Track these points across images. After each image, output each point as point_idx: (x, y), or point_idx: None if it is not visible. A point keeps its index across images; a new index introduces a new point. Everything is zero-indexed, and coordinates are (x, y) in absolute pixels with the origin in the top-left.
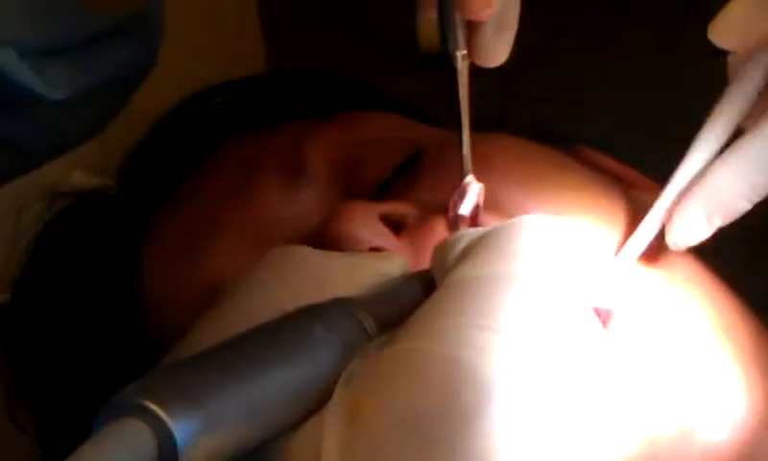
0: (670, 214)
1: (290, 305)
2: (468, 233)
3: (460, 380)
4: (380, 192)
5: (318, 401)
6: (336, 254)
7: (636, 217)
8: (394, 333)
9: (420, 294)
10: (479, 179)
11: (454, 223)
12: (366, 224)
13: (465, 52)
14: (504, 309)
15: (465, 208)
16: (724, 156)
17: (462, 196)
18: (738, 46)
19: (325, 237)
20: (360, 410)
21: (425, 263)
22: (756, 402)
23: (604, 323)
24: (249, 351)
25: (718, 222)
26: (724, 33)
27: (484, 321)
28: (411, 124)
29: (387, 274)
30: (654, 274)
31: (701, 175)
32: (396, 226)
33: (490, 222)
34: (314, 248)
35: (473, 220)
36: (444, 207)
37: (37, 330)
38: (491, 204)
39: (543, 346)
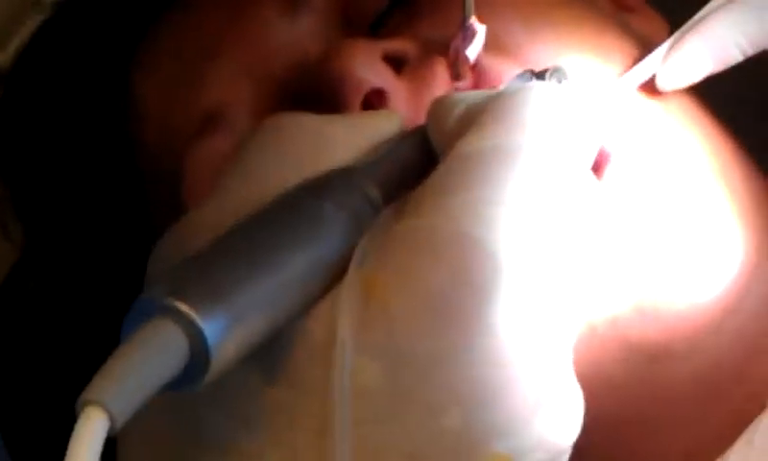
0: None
1: (293, 177)
2: (466, 98)
3: (470, 255)
4: (378, 22)
5: (332, 279)
6: (333, 118)
7: (636, 53)
8: (401, 205)
9: (418, 153)
10: (479, 18)
11: (455, 65)
12: (366, 63)
13: None
14: (510, 183)
15: (468, 51)
16: (726, 4)
17: (464, 38)
18: None
19: (326, 75)
20: (374, 287)
21: (425, 102)
22: (750, 251)
23: (602, 165)
24: (264, 239)
25: (710, 66)
26: None
27: (490, 195)
28: None
29: (385, 132)
30: (652, 106)
31: (702, 19)
32: (397, 63)
33: (491, 64)
34: (312, 82)
35: (474, 61)
36: (444, 43)
37: (28, 130)
38: (492, 43)
39: (546, 216)
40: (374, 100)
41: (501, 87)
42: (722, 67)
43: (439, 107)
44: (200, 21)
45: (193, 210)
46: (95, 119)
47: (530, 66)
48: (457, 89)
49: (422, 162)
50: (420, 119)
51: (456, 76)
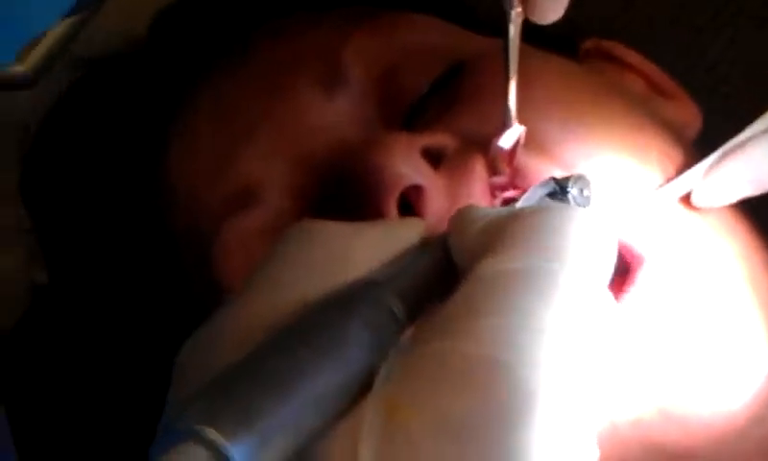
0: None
1: (318, 286)
2: (487, 214)
3: (502, 385)
4: (417, 108)
5: (355, 399)
6: (359, 227)
7: (671, 150)
8: (425, 324)
9: (441, 265)
10: (519, 116)
11: (494, 162)
12: (406, 158)
13: (519, 9)
14: (546, 308)
15: (506, 149)
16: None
17: (504, 136)
18: None
19: (365, 168)
20: (397, 411)
21: (462, 199)
22: None
23: (634, 269)
24: (291, 361)
25: (747, 191)
26: None
27: (525, 321)
28: (454, 31)
29: (410, 241)
30: (688, 216)
31: (743, 143)
32: (436, 157)
33: (528, 162)
34: (350, 171)
35: (512, 157)
36: (483, 138)
37: (60, 183)
38: (530, 142)
39: (574, 341)
40: (412, 196)
41: (520, 203)
42: (758, 193)
43: (460, 220)
44: (237, 94)
45: (218, 314)
46: (128, 184)
47: (566, 165)
48: (493, 185)
49: (445, 274)
50: None
51: (494, 172)
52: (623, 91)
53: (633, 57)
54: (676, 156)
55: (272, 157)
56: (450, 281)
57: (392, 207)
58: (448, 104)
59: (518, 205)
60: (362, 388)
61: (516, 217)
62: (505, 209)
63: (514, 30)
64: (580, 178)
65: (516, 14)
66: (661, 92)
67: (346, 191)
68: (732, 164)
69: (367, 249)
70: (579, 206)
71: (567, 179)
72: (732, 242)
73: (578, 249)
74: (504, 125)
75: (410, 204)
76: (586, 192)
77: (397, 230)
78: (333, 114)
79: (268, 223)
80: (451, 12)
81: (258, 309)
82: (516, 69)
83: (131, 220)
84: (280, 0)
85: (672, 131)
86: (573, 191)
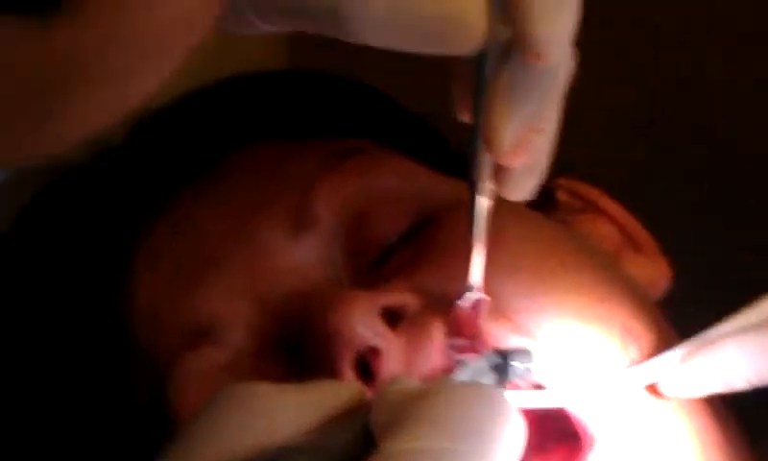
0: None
1: (241, 447)
2: (406, 387)
3: None
4: (384, 257)
5: None
6: (286, 388)
7: (638, 315)
8: None
9: (360, 438)
10: (484, 278)
11: (453, 326)
12: (363, 320)
13: (490, 186)
14: None
15: (467, 316)
16: (740, 334)
17: (466, 303)
18: None
19: (321, 328)
20: None
21: (419, 362)
22: None
23: (585, 448)
24: None
25: (715, 389)
26: None
27: None
28: (425, 175)
29: (339, 405)
30: (648, 399)
31: (712, 339)
32: (395, 317)
33: (489, 328)
34: (310, 326)
35: (473, 321)
36: (446, 297)
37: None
38: (493, 305)
39: None
40: (369, 356)
41: (460, 374)
42: (725, 391)
43: (379, 393)
44: (204, 219)
45: None
46: (89, 301)
47: (528, 333)
48: (452, 347)
49: (365, 447)
50: (412, 377)
51: (455, 333)
52: (593, 252)
53: (610, 206)
54: (638, 328)
55: (236, 294)
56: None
57: (346, 368)
58: (415, 257)
59: (458, 375)
60: None
61: (426, 394)
62: (419, 386)
63: (481, 205)
64: (522, 351)
65: (483, 190)
66: (634, 246)
67: (305, 341)
68: (704, 362)
69: (293, 411)
70: (521, 378)
71: (509, 352)
72: (689, 422)
73: (482, 431)
74: (467, 289)
75: (367, 364)
76: (527, 365)
77: (328, 393)
78: (299, 256)
79: (227, 362)
80: (422, 147)
81: None
82: (483, 240)
83: (89, 336)
84: (254, 125)
85: (637, 295)
86: (515, 364)
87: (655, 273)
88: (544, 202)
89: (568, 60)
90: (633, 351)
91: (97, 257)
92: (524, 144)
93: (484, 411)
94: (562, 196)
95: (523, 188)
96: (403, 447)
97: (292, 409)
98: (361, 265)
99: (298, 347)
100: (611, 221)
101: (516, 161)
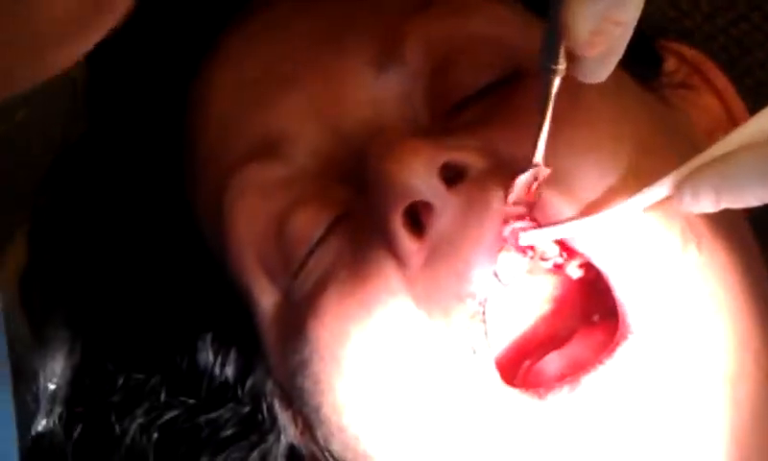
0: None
1: None
2: None
3: None
4: (461, 105)
5: None
6: None
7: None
8: None
9: None
10: (554, 149)
11: (514, 192)
12: (422, 173)
13: (560, 67)
14: None
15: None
16: (751, 146)
17: (528, 173)
18: None
19: (378, 174)
20: None
21: (470, 228)
22: None
23: (617, 341)
24: None
25: (725, 204)
26: None
27: None
28: (518, 26)
29: None
30: (694, 288)
31: (725, 153)
32: (457, 174)
33: (549, 197)
34: (370, 157)
35: (532, 199)
36: (511, 161)
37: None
38: (557, 177)
39: None
40: (421, 210)
41: None
42: (736, 207)
43: None
44: (288, 36)
45: None
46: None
47: (587, 211)
48: (508, 213)
49: None
50: (463, 241)
51: (511, 202)
52: (680, 138)
53: (720, 79)
54: (701, 227)
55: (309, 114)
56: None
57: (396, 217)
58: (491, 113)
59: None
60: None
61: None
62: None
63: (550, 82)
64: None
65: (554, 71)
66: (732, 120)
67: (363, 178)
68: (711, 178)
69: None
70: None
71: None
72: (729, 323)
73: None
74: (534, 157)
75: (418, 217)
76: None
77: None
78: (378, 90)
79: (287, 177)
80: None
81: None
82: (548, 118)
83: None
84: None
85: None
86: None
87: (710, 118)
88: (649, 65)
89: None
90: (692, 250)
91: (174, 61)
92: (602, 35)
93: None
94: (669, 62)
95: (598, 74)
96: None
97: None
98: (440, 110)
99: (358, 176)
100: (716, 94)
101: (592, 52)
